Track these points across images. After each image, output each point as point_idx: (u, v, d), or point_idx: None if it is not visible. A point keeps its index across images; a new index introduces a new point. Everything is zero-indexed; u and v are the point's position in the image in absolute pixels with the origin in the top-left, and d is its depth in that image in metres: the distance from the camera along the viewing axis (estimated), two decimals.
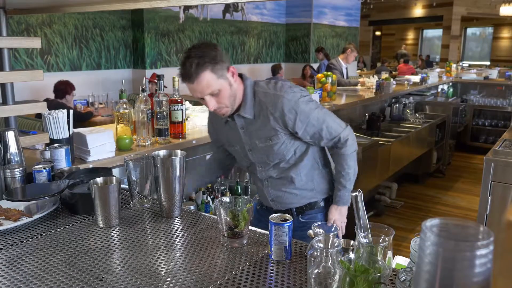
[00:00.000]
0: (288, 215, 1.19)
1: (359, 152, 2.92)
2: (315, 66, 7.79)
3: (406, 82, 6.26)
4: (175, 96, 2.34)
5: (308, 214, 1.77)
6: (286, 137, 1.65)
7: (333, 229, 1.10)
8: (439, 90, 7.02)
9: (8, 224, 1.35)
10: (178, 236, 1.32)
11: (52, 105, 3.80)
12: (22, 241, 1.28)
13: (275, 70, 7.31)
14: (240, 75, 1.65)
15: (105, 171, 1.66)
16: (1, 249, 1.23)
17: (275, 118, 1.60)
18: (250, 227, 1.32)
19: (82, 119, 4.34)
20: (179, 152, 1.48)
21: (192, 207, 2.01)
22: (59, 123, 1.88)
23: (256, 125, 1.65)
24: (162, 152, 1.48)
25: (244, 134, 1.69)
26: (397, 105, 5.33)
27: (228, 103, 1.58)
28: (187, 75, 1.48)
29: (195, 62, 1.46)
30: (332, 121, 1.66)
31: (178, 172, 1.43)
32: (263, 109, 1.62)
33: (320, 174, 1.76)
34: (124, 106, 2.23)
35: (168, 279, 1.07)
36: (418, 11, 14.23)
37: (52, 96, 4.38)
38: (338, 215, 1.74)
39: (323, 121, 1.63)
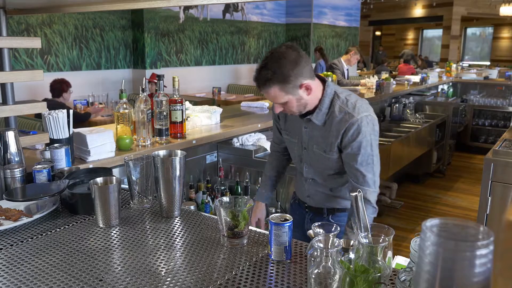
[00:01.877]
0: (288, 215, 1.19)
1: None
2: (314, 65, 7.78)
3: (406, 82, 6.26)
4: (175, 96, 2.34)
5: (338, 216, 1.79)
6: (339, 154, 1.67)
7: (333, 229, 1.10)
8: (439, 90, 7.02)
9: (8, 224, 1.35)
10: (178, 236, 1.32)
11: (51, 104, 3.78)
12: (22, 241, 1.28)
13: None
14: (324, 81, 1.67)
15: (105, 171, 1.66)
16: (1, 249, 1.23)
17: (338, 134, 1.62)
18: (250, 227, 1.32)
19: (81, 120, 4.31)
20: (179, 152, 1.48)
21: (192, 207, 2.01)
22: (59, 123, 1.88)
23: (321, 132, 1.68)
24: (162, 152, 1.48)
25: (305, 133, 1.73)
26: (397, 105, 5.34)
27: (296, 110, 1.62)
28: (257, 83, 1.56)
29: (266, 77, 1.52)
30: (371, 173, 1.62)
31: (178, 172, 1.43)
32: (333, 123, 1.63)
33: None
34: (124, 106, 2.23)
35: (168, 279, 1.07)
36: (418, 11, 14.22)
37: (50, 95, 4.37)
38: None
39: (365, 166, 1.60)
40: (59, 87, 4.31)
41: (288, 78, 1.52)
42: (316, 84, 1.61)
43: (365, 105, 1.65)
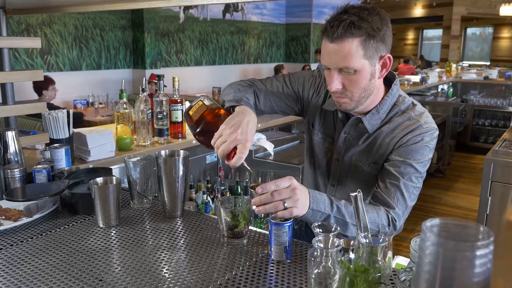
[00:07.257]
0: None
1: None
2: (315, 66, 7.78)
3: (406, 82, 6.26)
4: (175, 96, 2.35)
5: None
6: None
7: (333, 229, 1.09)
8: (439, 90, 7.02)
9: (8, 224, 1.35)
10: (178, 236, 1.32)
11: None
12: (22, 241, 1.28)
13: (277, 70, 7.41)
14: (390, 74, 1.30)
15: (105, 171, 1.66)
16: (1, 249, 1.23)
17: (394, 142, 1.28)
18: (250, 227, 1.32)
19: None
20: (182, 152, 1.48)
21: (191, 207, 2.01)
22: (59, 123, 1.88)
23: (367, 140, 1.32)
24: (165, 152, 1.48)
25: (343, 141, 1.36)
26: None
27: (356, 95, 1.23)
28: (331, 30, 1.16)
29: (351, 20, 1.13)
30: (408, 192, 1.27)
31: (181, 172, 1.42)
32: (389, 129, 1.29)
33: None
34: (124, 106, 2.24)
35: (168, 279, 1.07)
36: (418, 11, 14.23)
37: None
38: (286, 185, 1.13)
39: (407, 180, 1.26)
40: (40, 85, 4.20)
41: (377, 32, 1.15)
42: (388, 67, 1.26)
43: (432, 120, 1.32)
